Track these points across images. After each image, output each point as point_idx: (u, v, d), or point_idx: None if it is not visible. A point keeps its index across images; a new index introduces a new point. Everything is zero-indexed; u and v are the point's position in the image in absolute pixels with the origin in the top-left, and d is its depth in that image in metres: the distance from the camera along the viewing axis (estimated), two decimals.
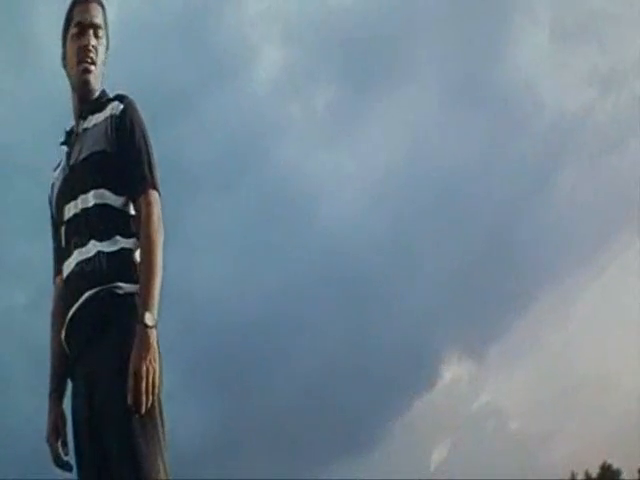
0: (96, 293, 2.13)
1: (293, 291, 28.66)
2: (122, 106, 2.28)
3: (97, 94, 2.37)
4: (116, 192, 2.21)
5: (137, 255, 2.19)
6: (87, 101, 2.36)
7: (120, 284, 2.13)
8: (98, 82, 2.38)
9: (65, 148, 2.37)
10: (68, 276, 2.22)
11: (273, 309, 27.63)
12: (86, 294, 2.14)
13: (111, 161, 2.22)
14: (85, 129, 2.30)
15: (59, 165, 2.40)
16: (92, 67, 2.35)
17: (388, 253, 30.68)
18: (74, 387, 2.19)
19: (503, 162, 33.96)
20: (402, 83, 33.40)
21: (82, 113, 2.34)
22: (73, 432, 2.16)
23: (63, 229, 2.26)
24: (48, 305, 2.40)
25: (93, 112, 2.32)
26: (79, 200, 2.21)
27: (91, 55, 2.34)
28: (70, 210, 2.24)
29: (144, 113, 2.32)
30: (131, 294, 2.13)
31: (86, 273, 2.15)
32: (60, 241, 2.30)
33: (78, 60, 2.34)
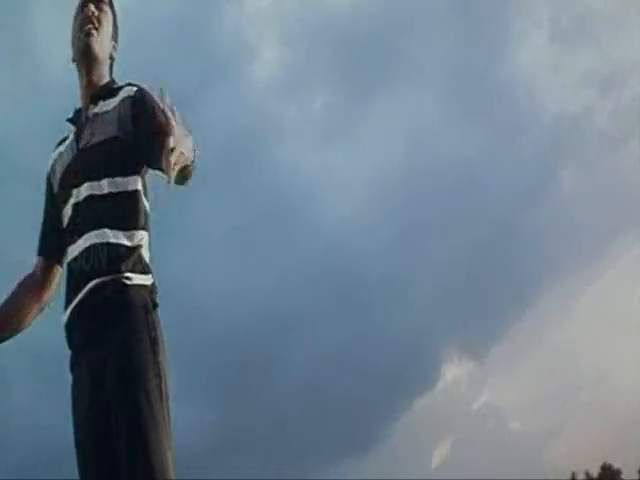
0: (104, 282, 2.07)
1: (292, 290, 28.66)
2: (136, 88, 2.25)
3: (106, 80, 2.32)
4: (128, 173, 2.16)
5: (147, 248, 2.17)
6: (94, 71, 2.29)
7: (129, 274, 2.09)
8: (102, 50, 2.31)
9: (72, 127, 2.32)
10: (72, 262, 2.16)
11: (272, 309, 27.63)
12: (93, 282, 2.08)
13: (123, 146, 2.16)
14: (96, 114, 2.24)
15: (62, 142, 2.33)
16: (94, 31, 2.28)
17: (387, 252, 30.70)
18: (75, 378, 2.11)
19: (503, 163, 33.99)
20: (400, 82, 33.42)
21: (92, 98, 2.27)
22: (74, 423, 2.09)
23: (68, 211, 2.20)
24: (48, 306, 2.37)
25: (105, 98, 2.26)
26: (92, 185, 2.15)
27: (93, 21, 2.27)
28: (80, 193, 2.17)
29: None
30: (140, 285, 2.10)
31: (94, 261, 2.09)
32: (58, 220, 2.24)
33: (79, 29, 2.28)
